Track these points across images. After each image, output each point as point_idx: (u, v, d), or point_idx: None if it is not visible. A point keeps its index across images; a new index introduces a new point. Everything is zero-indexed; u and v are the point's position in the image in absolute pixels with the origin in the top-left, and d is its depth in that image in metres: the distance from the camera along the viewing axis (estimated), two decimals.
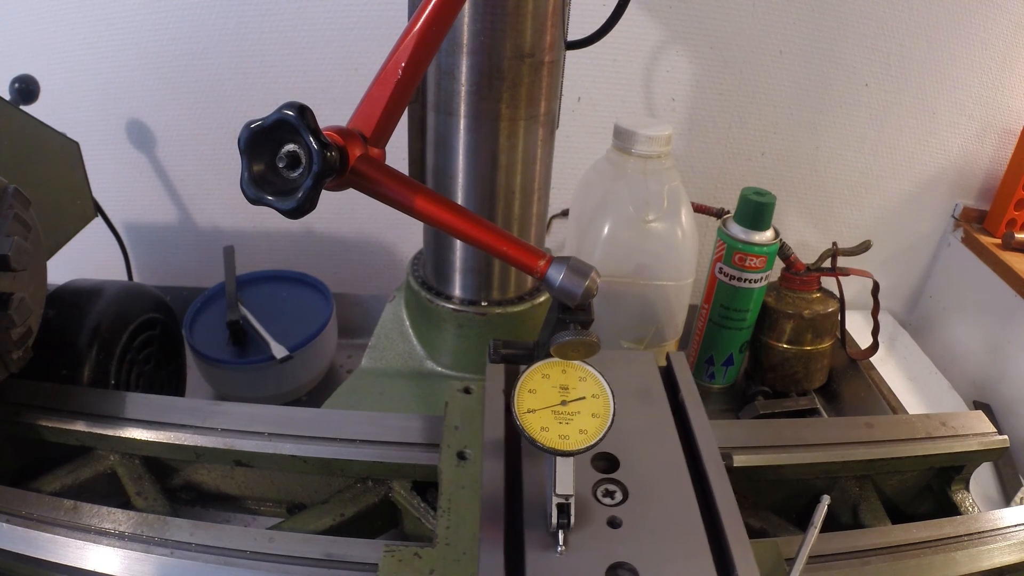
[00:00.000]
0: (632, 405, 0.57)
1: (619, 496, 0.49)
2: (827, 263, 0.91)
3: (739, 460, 0.60)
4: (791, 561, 0.49)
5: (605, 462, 0.52)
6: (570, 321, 0.44)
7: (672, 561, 0.45)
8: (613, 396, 0.45)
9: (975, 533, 0.57)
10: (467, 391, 0.61)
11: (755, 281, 0.88)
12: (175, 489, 0.66)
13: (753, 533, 0.61)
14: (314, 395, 0.98)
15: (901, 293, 1.27)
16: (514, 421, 0.44)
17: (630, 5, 0.68)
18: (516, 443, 0.53)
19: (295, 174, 0.37)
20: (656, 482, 0.50)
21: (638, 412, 0.57)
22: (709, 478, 0.51)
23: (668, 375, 0.62)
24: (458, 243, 0.76)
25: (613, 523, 0.47)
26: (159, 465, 0.64)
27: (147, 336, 0.81)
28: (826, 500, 0.50)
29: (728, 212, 0.91)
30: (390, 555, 0.47)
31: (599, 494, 0.49)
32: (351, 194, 0.43)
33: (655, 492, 0.49)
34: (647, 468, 0.51)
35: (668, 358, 0.63)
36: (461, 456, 0.55)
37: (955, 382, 1.09)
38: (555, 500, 0.44)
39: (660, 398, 0.58)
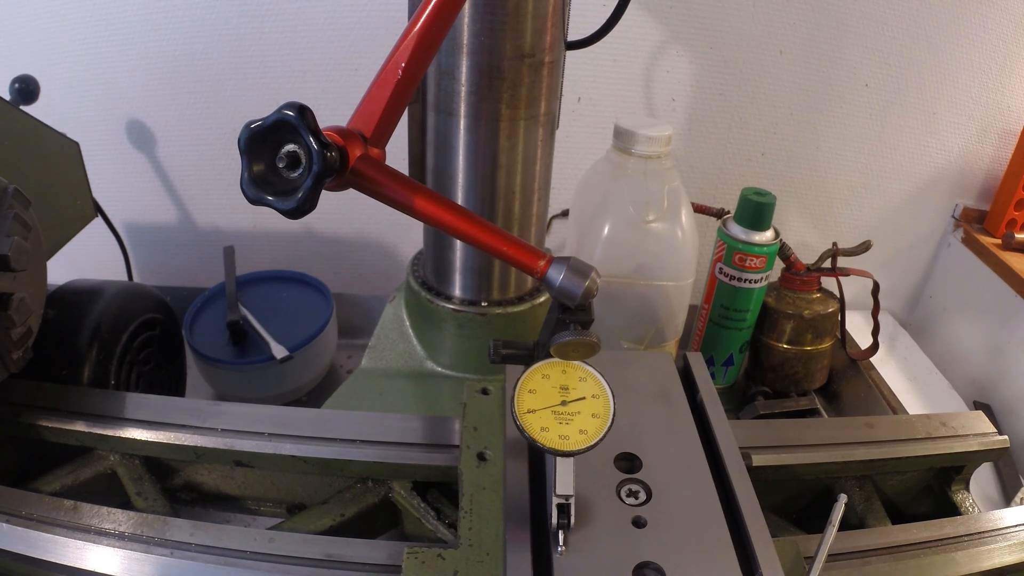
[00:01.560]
0: (651, 405, 0.58)
1: (643, 496, 0.49)
2: (827, 263, 0.91)
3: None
4: (808, 560, 0.49)
5: (628, 462, 0.52)
6: (570, 321, 0.44)
7: (697, 560, 0.45)
8: (613, 396, 0.45)
9: (975, 533, 0.57)
10: (485, 392, 0.61)
11: (755, 281, 0.88)
12: (175, 489, 0.66)
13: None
14: (314, 395, 0.98)
15: (901, 293, 1.27)
16: (514, 421, 0.44)
17: (630, 5, 0.68)
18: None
19: (295, 174, 0.37)
20: (678, 482, 0.51)
21: (658, 412, 0.57)
22: (730, 477, 0.51)
23: (686, 375, 0.62)
24: (458, 243, 0.76)
25: (638, 523, 0.47)
26: (159, 465, 0.64)
27: (147, 336, 0.81)
28: (843, 499, 0.50)
29: (728, 212, 0.91)
30: (413, 556, 0.47)
31: (623, 494, 0.49)
32: (351, 194, 0.43)
33: (678, 492, 0.50)
34: (669, 468, 0.52)
35: (686, 359, 0.63)
36: (481, 457, 0.55)
37: (955, 382, 1.09)
38: (555, 500, 0.44)
39: (679, 398, 0.59)
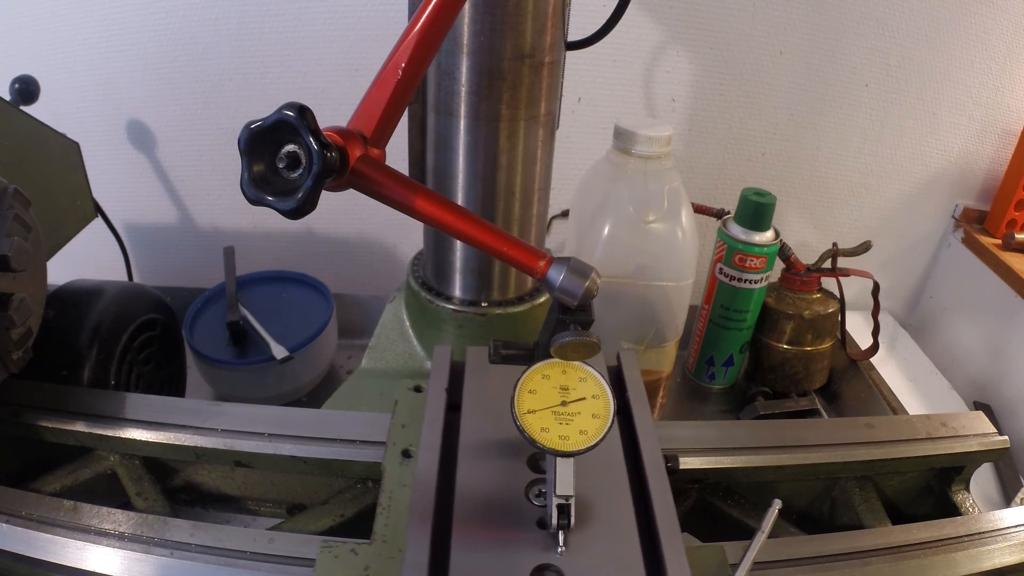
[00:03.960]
0: None
1: None
2: (827, 264, 0.91)
3: (687, 463, 0.60)
4: (732, 566, 0.48)
5: (540, 461, 0.52)
6: (570, 322, 0.44)
7: (600, 564, 0.44)
8: (613, 397, 0.45)
9: (975, 534, 0.57)
10: (417, 389, 0.61)
11: (755, 282, 0.88)
12: (175, 490, 0.66)
13: (751, 535, 0.61)
14: (314, 396, 0.98)
15: (901, 294, 1.27)
16: (515, 422, 0.44)
17: (630, 5, 0.68)
18: (453, 440, 0.53)
19: (295, 175, 0.37)
20: (592, 483, 0.49)
21: None
22: (648, 480, 0.50)
23: (617, 374, 0.61)
24: (458, 243, 0.76)
25: (543, 524, 0.46)
26: (159, 465, 0.64)
27: (147, 336, 0.81)
28: (777, 504, 0.48)
29: (728, 212, 0.91)
30: (327, 551, 0.47)
31: (531, 495, 0.49)
32: (351, 194, 0.43)
33: (589, 493, 0.49)
34: (584, 468, 0.50)
35: (618, 357, 0.62)
36: (406, 454, 0.55)
37: (955, 382, 1.09)
38: (556, 501, 0.44)
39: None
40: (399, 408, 0.59)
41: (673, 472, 0.57)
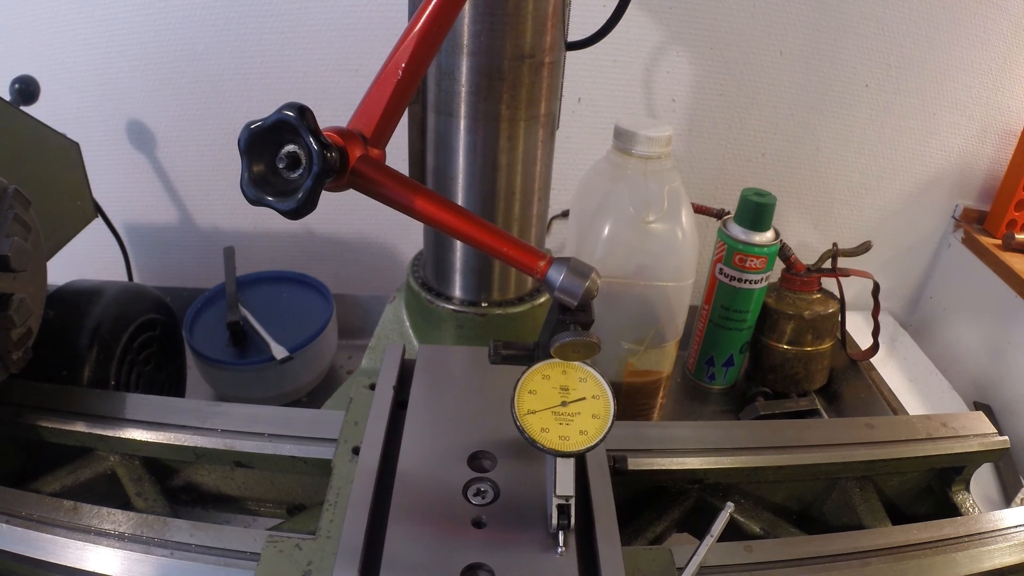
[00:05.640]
0: None
1: (490, 496, 0.49)
2: (827, 264, 0.91)
3: (687, 463, 0.60)
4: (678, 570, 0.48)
5: (481, 460, 0.52)
6: (570, 322, 0.44)
7: (533, 563, 0.44)
8: (614, 397, 0.45)
9: (976, 534, 0.57)
10: (373, 387, 0.61)
11: (755, 282, 0.88)
12: (175, 490, 0.66)
13: (751, 535, 0.61)
14: (314, 396, 0.98)
15: (901, 294, 1.27)
16: (515, 423, 0.44)
17: (630, 6, 0.68)
18: (396, 437, 0.53)
19: (295, 175, 0.37)
20: (532, 482, 0.49)
21: None
22: (589, 480, 0.50)
23: None
24: (458, 244, 0.76)
25: (478, 523, 0.47)
26: (159, 466, 0.64)
27: (147, 337, 0.81)
28: (730, 508, 0.48)
29: (728, 213, 0.91)
30: (272, 545, 0.47)
31: (469, 494, 0.49)
32: (351, 194, 0.43)
33: (528, 492, 0.49)
34: (524, 468, 0.50)
35: None
36: (356, 451, 0.55)
37: (955, 383, 1.09)
38: (555, 501, 0.44)
39: None
40: (353, 405, 0.60)
41: (620, 473, 0.57)
